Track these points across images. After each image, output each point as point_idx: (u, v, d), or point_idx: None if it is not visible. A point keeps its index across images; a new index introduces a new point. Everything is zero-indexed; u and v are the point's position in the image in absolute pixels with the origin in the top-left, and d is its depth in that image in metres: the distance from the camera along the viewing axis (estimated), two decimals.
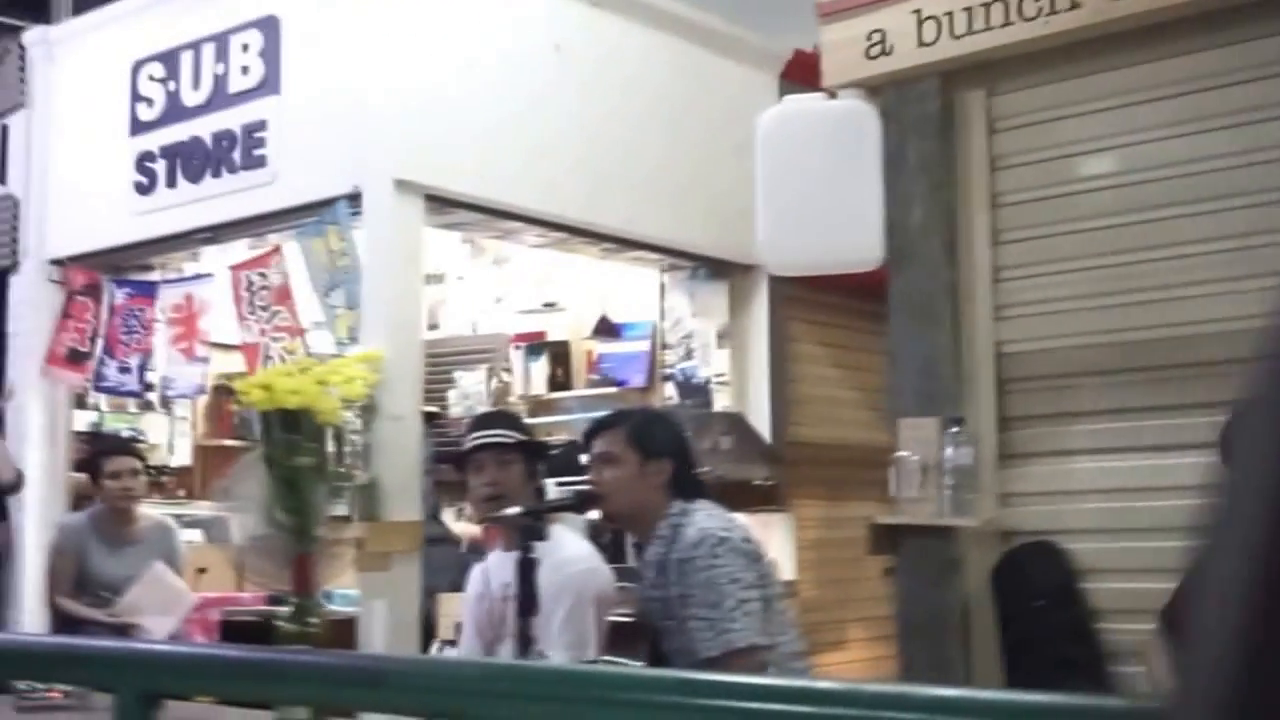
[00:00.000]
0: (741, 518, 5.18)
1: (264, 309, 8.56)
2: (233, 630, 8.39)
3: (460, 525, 10.66)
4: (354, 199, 8.00)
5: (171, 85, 9.21)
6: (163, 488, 11.10)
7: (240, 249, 9.35)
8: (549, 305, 11.20)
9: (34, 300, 10.03)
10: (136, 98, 9.43)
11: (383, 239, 7.84)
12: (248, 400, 3.26)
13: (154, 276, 9.98)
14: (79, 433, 10.32)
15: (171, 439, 11.44)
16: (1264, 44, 5.92)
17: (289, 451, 3.28)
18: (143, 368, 9.58)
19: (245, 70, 8.73)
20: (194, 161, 9.00)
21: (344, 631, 7.35)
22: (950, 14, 6.37)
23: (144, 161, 9.33)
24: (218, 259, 9.76)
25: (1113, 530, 6.27)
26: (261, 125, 8.61)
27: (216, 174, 8.87)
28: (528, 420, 8.36)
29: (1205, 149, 6.05)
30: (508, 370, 11.08)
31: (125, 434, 10.55)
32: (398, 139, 7.91)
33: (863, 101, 6.58)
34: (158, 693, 2.93)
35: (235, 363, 9.78)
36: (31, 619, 9.54)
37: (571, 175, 8.62)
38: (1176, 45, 6.12)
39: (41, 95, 10.29)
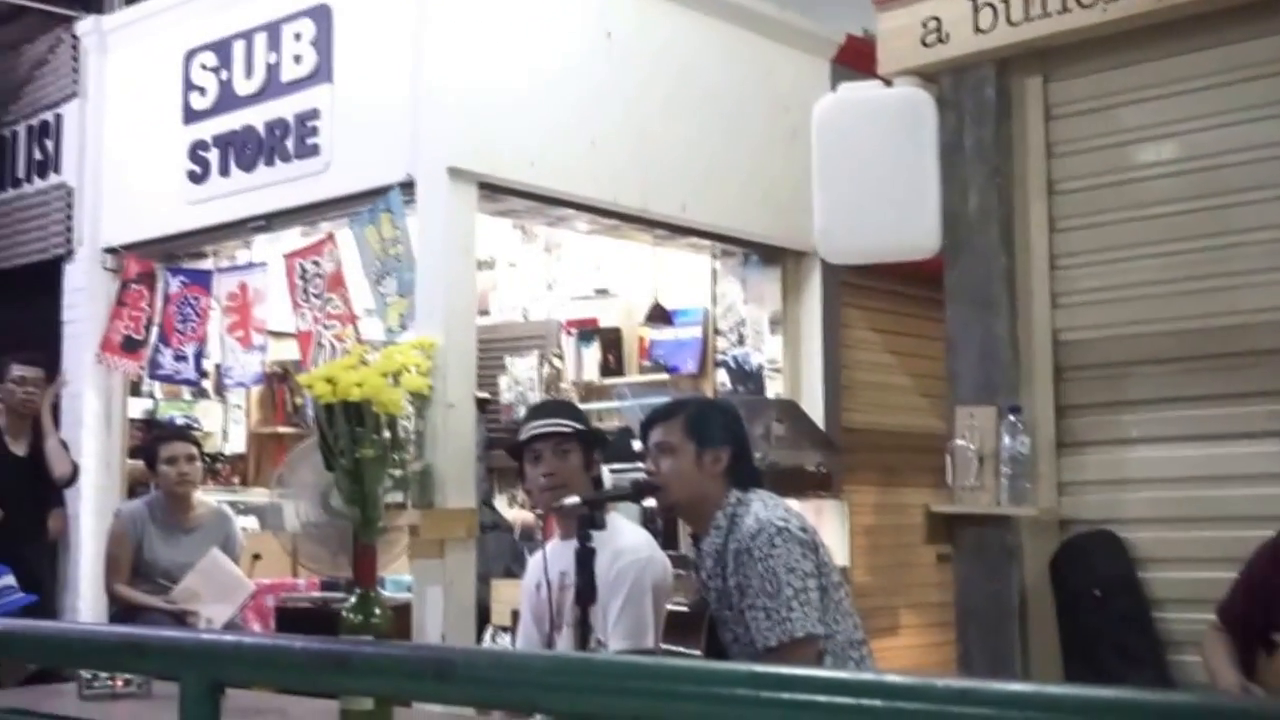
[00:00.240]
0: (796, 505, 5.17)
1: (317, 296, 8.57)
2: (288, 617, 8.41)
3: (513, 512, 10.68)
4: (407, 187, 8.00)
5: (224, 74, 9.23)
6: (217, 475, 11.14)
7: (293, 237, 9.36)
8: (601, 291, 11.18)
9: (89, 288, 10.07)
10: (189, 87, 9.45)
11: (436, 227, 7.84)
12: (312, 393, 3.26)
13: (208, 265, 10.01)
14: (134, 420, 10.35)
15: (226, 426, 11.47)
16: None
17: (352, 443, 3.28)
18: (198, 356, 9.61)
19: (298, 59, 8.75)
20: (247, 150, 9.01)
21: (397, 618, 7.37)
22: (1006, 1, 6.34)
23: (197, 150, 9.35)
24: (270, 247, 9.79)
25: (1171, 519, 6.25)
26: (314, 114, 8.63)
27: (270, 163, 8.89)
28: (581, 406, 8.37)
29: (1264, 137, 6.02)
30: (559, 356, 11.07)
31: (180, 421, 10.58)
32: (451, 127, 7.90)
33: (919, 89, 6.56)
34: (224, 682, 2.94)
35: (289, 350, 9.81)
36: (87, 606, 9.59)
37: (624, 162, 8.61)
38: (1235, 31, 6.08)
39: (94, 85, 10.32)
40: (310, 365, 8.51)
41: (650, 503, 5.51)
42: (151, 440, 8.98)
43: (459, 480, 7.64)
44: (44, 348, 9.69)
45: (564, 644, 5.28)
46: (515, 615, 7.56)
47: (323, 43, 8.61)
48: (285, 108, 8.80)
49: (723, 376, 10.10)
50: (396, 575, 8.28)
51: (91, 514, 9.70)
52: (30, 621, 6.47)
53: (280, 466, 9.29)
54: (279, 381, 11.36)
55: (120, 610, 8.16)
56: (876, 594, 9.53)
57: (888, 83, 6.67)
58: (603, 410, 10.28)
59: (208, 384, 10.81)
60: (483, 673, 2.44)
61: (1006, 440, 6.25)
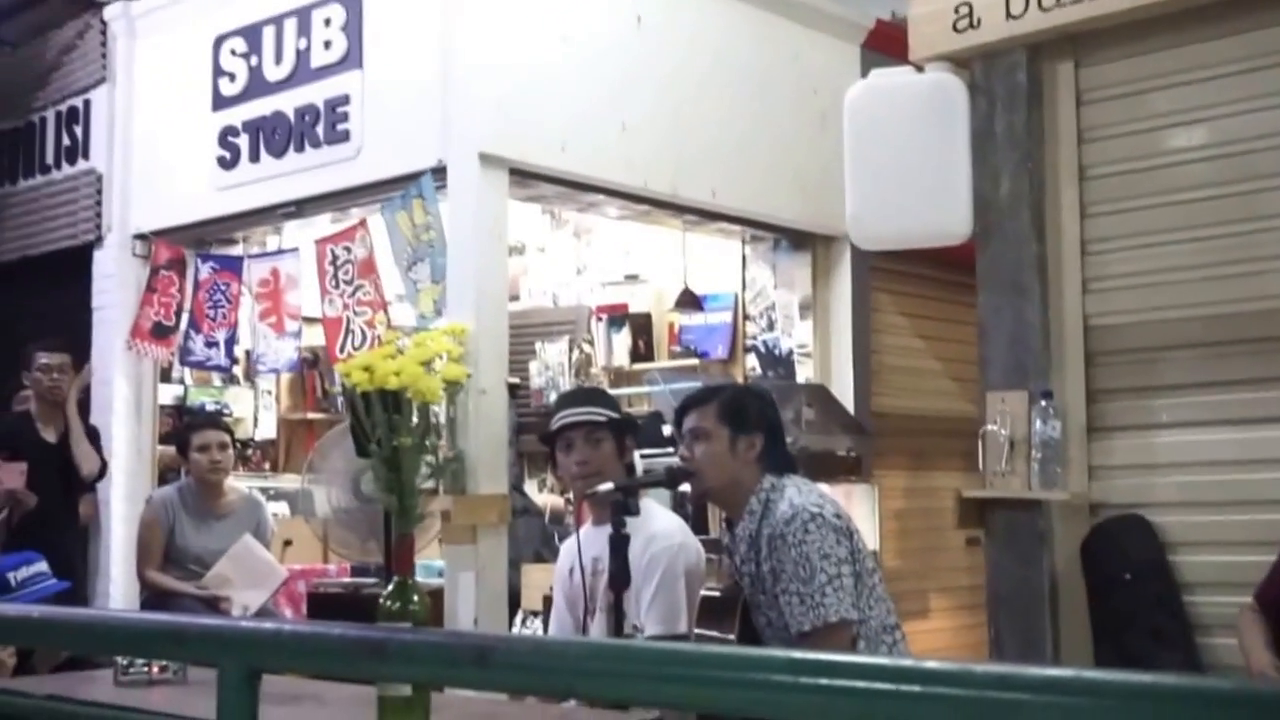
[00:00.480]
0: (826, 489, 5.18)
1: (348, 283, 8.58)
2: (320, 602, 8.43)
3: (543, 496, 10.69)
4: (438, 173, 8.01)
5: (254, 60, 9.23)
6: (248, 461, 11.17)
7: (323, 223, 9.37)
8: (631, 277, 11.18)
9: (118, 275, 10.08)
10: (219, 72, 9.45)
11: (467, 213, 7.84)
12: (349, 381, 3.27)
13: (238, 251, 10.03)
14: (165, 406, 10.38)
15: (256, 412, 11.48)
16: None
17: (390, 431, 3.29)
18: (229, 342, 9.61)
19: (328, 45, 8.74)
20: (277, 136, 9.01)
21: (430, 604, 7.38)
22: None
23: (227, 136, 9.35)
24: (300, 233, 9.80)
25: (1202, 504, 6.25)
26: (344, 100, 8.63)
27: (300, 149, 8.89)
28: (611, 392, 8.38)
29: None
30: (589, 342, 11.07)
31: (211, 408, 10.60)
32: (482, 113, 7.90)
33: (951, 74, 6.56)
34: (263, 669, 2.96)
35: (319, 336, 9.83)
36: (119, 592, 9.62)
37: (654, 147, 8.60)
38: (1266, 16, 6.08)
39: (123, 70, 10.32)
40: (337, 351, 8.52)
41: (684, 488, 5.52)
42: (184, 428, 9.00)
43: (491, 466, 7.65)
44: (74, 334, 9.70)
45: (597, 629, 5.30)
46: (546, 600, 7.58)
47: (353, 28, 8.61)
48: (315, 93, 8.80)
49: (753, 361, 10.11)
50: (428, 561, 8.29)
51: (122, 500, 9.72)
52: (71, 609, 6.50)
53: (311, 453, 9.32)
54: (309, 367, 11.38)
55: (152, 596, 8.19)
56: (906, 578, 9.53)
57: (919, 68, 6.67)
58: (633, 395, 10.29)
59: (237, 370, 10.81)
60: (522, 659, 2.45)
61: (1038, 425, 6.26)
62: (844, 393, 9.56)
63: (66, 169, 10.66)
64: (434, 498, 7.20)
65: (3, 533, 7.90)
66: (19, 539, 7.66)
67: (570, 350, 10.99)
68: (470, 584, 7.52)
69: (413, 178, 8.09)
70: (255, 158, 9.16)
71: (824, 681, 2.01)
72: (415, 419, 3.37)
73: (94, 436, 9.05)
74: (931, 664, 1.91)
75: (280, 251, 9.71)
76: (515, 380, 9.44)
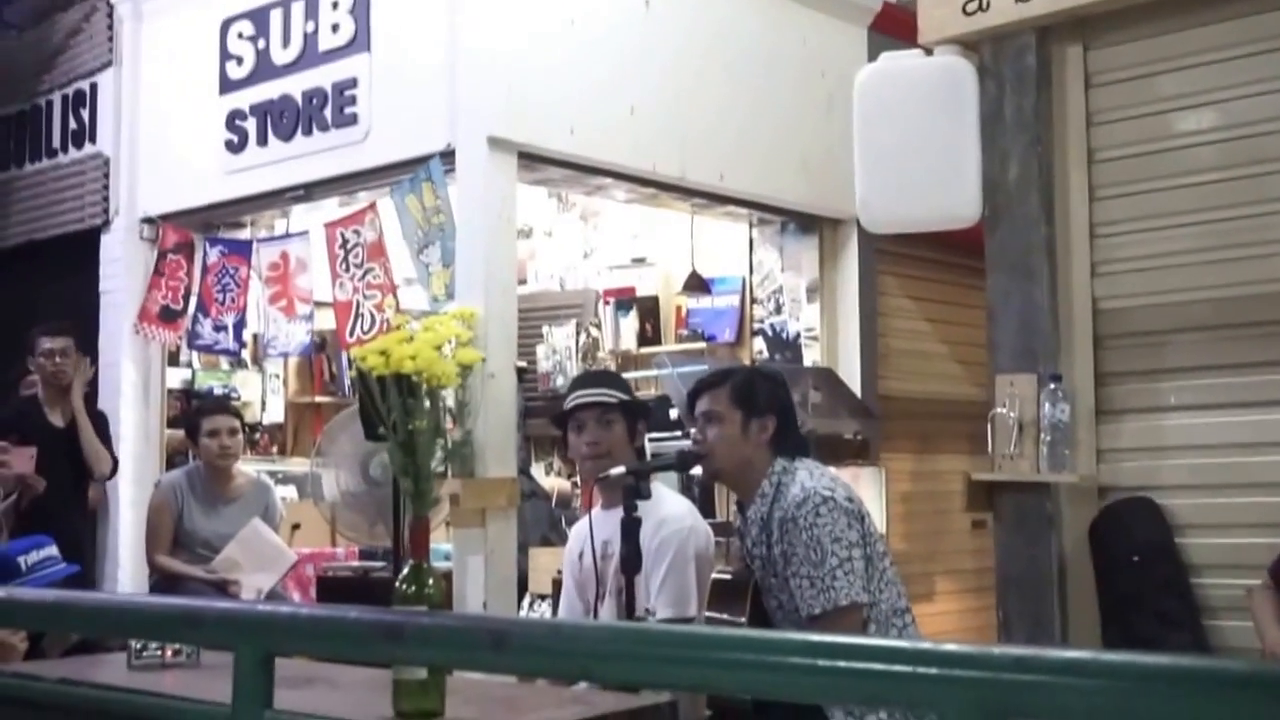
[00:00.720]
0: (834, 472, 5.19)
1: (358, 266, 8.59)
2: (329, 586, 8.44)
3: (550, 480, 10.71)
4: (447, 156, 8.01)
5: (261, 43, 9.22)
6: (256, 445, 11.17)
7: (331, 207, 9.38)
8: (638, 260, 11.19)
9: (125, 259, 10.07)
10: (226, 56, 9.44)
11: (476, 197, 7.84)
12: (364, 365, 3.28)
13: (245, 235, 10.03)
14: (173, 390, 10.38)
15: (264, 396, 11.49)
16: None
17: (406, 415, 3.30)
18: (238, 326, 9.62)
19: (335, 28, 8.74)
20: (284, 120, 9.01)
21: None
22: None
23: (234, 120, 9.35)
24: (308, 217, 9.81)
25: (1210, 486, 6.26)
26: (352, 83, 8.62)
27: (308, 132, 8.89)
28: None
29: None
30: (596, 325, 11.09)
31: (219, 392, 10.61)
32: (490, 96, 7.89)
33: (960, 58, 6.56)
34: (278, 653, 2.97)
35: (326, 319, 9.83)
36: (127, 576, 9.64)
37: (662, 131, 8.60)
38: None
39: (130, 53, 10.32)
40: (347, 335, 8.53)
41: (694, 471, 5.53)
42: (193, 412, 9.01)
43: (500, 450, 7.66)
44: (81, 318, 9.70)
45: (607, 613, 5.33)
46: (554, 583, 7.59)
47: (360, 12, 8.61)
48: (323, 77, 8.80)
49: (760, 345, 10.11)
50: (435, 544, 8.30)
51: (130, 484, 9.72)
52: (86, 593, 6.52)
53: (319, 437, 9.33)
54: (317, 351, 11.39)
55: (161, 580, 8.21)
56: (912, 560, 9.54)
57: (928, 51, 6.67)
58: (641, 379, 10.29)
59: (246, 354, 10.81)
60: (539, 642, 2.47)
61: (1046, 408, 6.26)
62: (851, 376, 9.57)
63: (73, 153, 10.66)
64: (443, 481, 7.22)
65: (11, 517, 7.90)
66: (27, 523, 7.66)
67: (577, 334, 11.01)
68: (479, 567, 7.53)
69: (421, 161, 8.10)
70: (263, 141, 9.16)
71: (841, 664, 2.03)
72: (428, 402, 3.37)
73: (101, 423, 9.04)
74: (949, 646, 1.93)
75: (289, 235, 9.71)
76: (522, 364, 9.45)
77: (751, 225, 10.18)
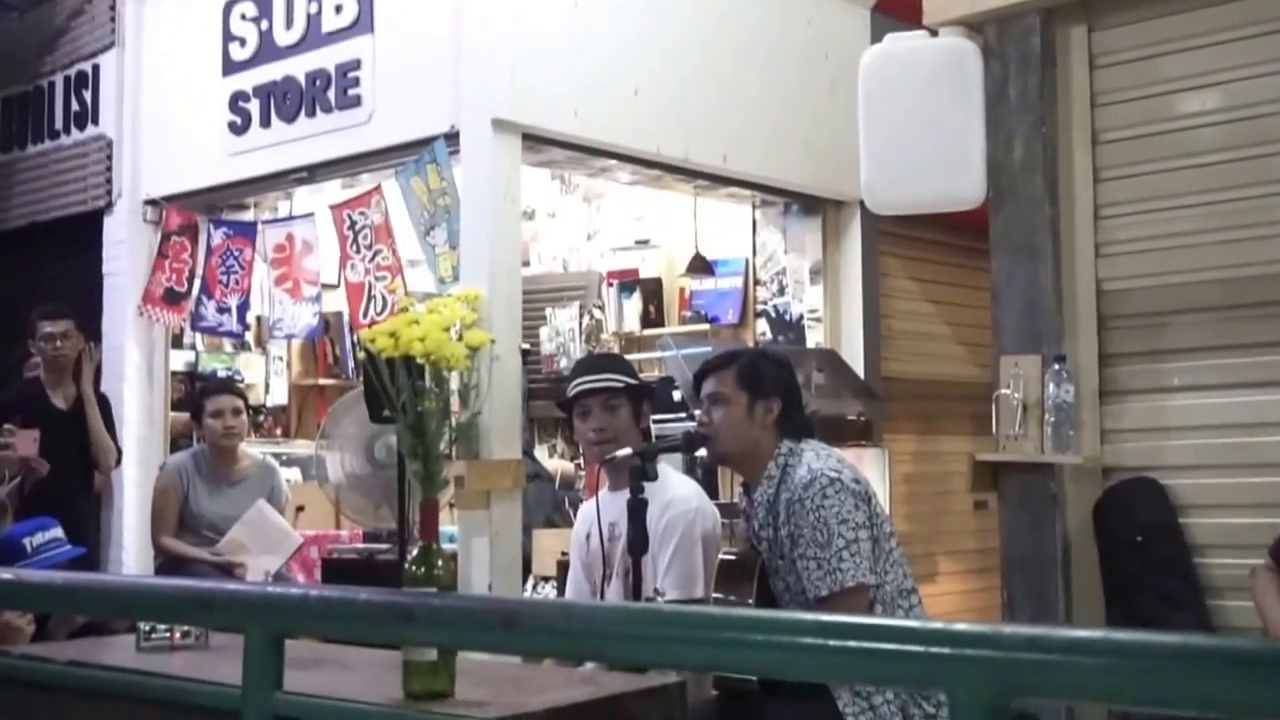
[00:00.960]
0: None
1: (367, 247, 8.58)
2: (334, 568, 8.45)
3: (553, 462, 10.72)
4: (451, 138, 8.01)
5: (264, 25, 9.20)
6: (260, 427, 11.18)
7: (334, 189, 9.38)
8: (641, 242, 11.19)
9: (129, 241, 10.06)
10: (229, 37, 9.42)
11: (481, 179, 7.83)
12: (374, 347, 3.28)
13: (249, 217, 10.02)
14: (176, 373, 10.38)
15: (267, 378, 11.50)
16: None
17: (415, 397, 3.30)
18: (242, 308, 9.61)
19: (338, 9, 8.72)
20: (288, 101, 9.00)
21: None
22: None
23: (237, 101, 9.34)
24: (311, 199, 9.81)
25: (1213, 466, 6.28)
26: (355, 65, 8.61)
27: (311, 114, 8.88)
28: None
29: None
30: (600, 307, 11.09)
31: (222, 374, 10.61)
32: (494, 78, 7.88)
33: (964, 39, 6.56)
34: (288, 635, 2.98)
35: (332, 302, 9.83)
36: (132, 558, 9.65)
37: (666, 113, 8.59)
38: None
39: (132, 35, 10.30)
40: (361, 317, 8.53)
41: (699, 453, 5.55)
42: (198, 394, 9.02)
43: (505, 431, 7.66)
44: (84, 300, 9.71)
45: (614, 594, 5.35)
46: (559, 565, 7.62)
47: None
48: (326, 58, 8.78)
49: (763, 326, 10.12)
50: (440, 526, 8.30)
51: (135, 466, 9.73)
52: (95, 575, 6.53)
53: (324, 419, 9.34)
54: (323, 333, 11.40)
55: (167, 562, 8.21)
56: (915, 541, 9.55)
57: (933, 32, 6.67)
58: (644, 361, 10.30)
59: (249, 336, 10.81)
60: (550, 623, 2.48)
61: (1051, 389, 6.27)
62: (854, 357, 9.57)
63: (76, 134, 10.65)
64: (448, 463, 7.22)
65: (15, 499, 7.90)
66: (31, 506, 7.66)
67: (581, 316, 11.01)
68: (484, 549, 7.54)
69: (425, 143, 8.10)
70: (266, 123, 9.15)
71: (853, 644, 2.04)
72: (436, 384, 3.38)
73: (105, 408, 9.04)
74: (960, 626, 1.94)
75: (295, 217, 9.70)
76: (526, 346, 9.46)
77: (755, 207, 10.18)
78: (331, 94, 8.71)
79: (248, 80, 9.29)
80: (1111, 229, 6.48)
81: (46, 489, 8.07)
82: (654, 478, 4.95)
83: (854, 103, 6.84)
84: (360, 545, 8.93)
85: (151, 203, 10.02)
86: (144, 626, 4.23)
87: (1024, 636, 1.87)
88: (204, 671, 3.59)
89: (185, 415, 9.55)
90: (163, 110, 10.06)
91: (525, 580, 8.31)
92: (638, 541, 4.82)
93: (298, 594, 3.13)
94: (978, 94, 6.51)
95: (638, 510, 4.80)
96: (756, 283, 10.24)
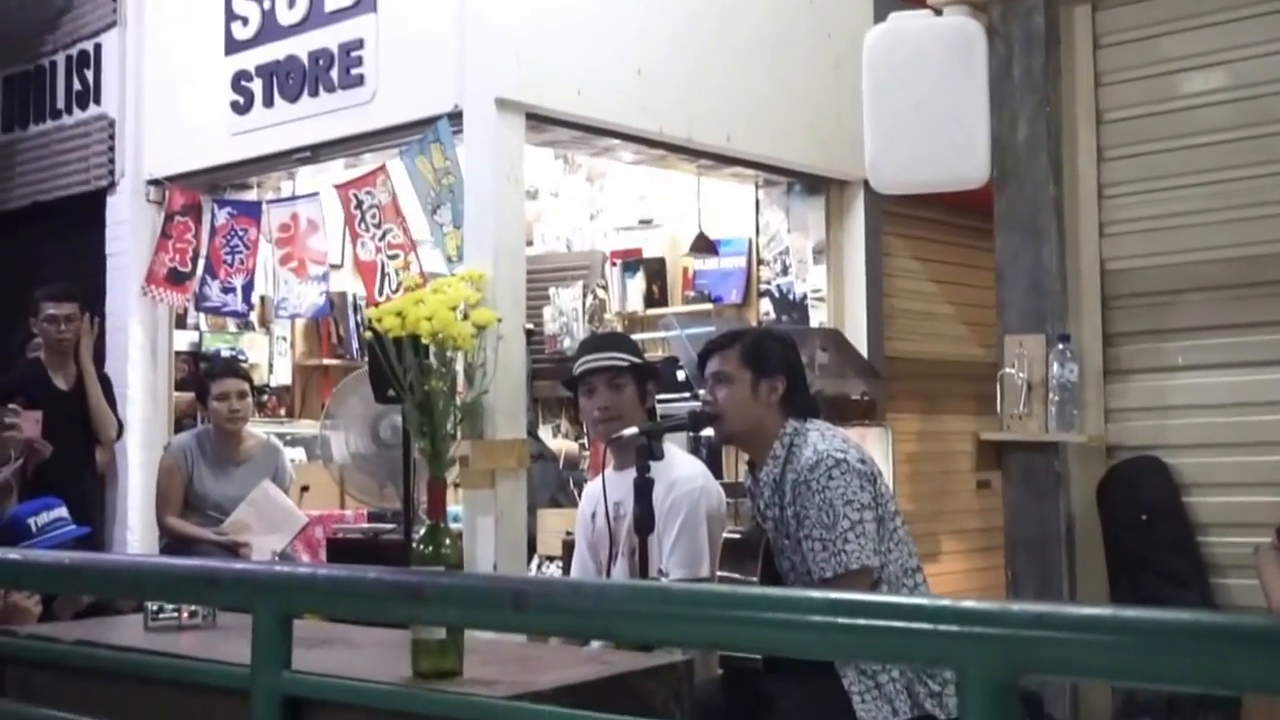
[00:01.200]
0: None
1: (376, 226, 8.57)
2: (339, 548, 8.46)
3: (557, 442, 10.73)
4: (454, 118, 8.00)
5: (266, 3, 9.15)
6: (264, 407, 11.16)
7: (337, 169, 9.38)
8: (645, 222, 11.19)
9: (132, 221, 10.03)
10: (231, 16, 9.39)
11: (484, 158, 7.82)
12: (381, 326, 3.29)
13: (252, 196, 10.01)
14: (180, 353, 10.37)
15: (271, 358, 11.49)
16: None
17: (422, 376, 3.31)
18: (247, 288, 9.59)
19: None
20: (291, 81, 8.97)
21: None
22: None
23: (240, 81, 9.30)
24: (314, 179, 9.80)
25: (1217, 445, 6.29)
26: (359, 44, 8.59)
27: (314, 93, 8.85)
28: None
29: None
30: (603, 287, 11.09)
31: (226, 354, 10.60)
32: (498, 57, 7.86)
33: (969, 18, 6.55)
34: (296, 614, 2.99)
35: (337, 281, 9.82)
36: (137, 538, 9.65)
37: (669, 92, 8.57)
38: None
39: (133, 13, 10.26)
40: (376, 295, 8.52)
41: (705, 433, 5.56)
42: (203, 375, 9.01)
43: (509, 411, 7.66)
44: (87, 280, 9.70)
45: (620, 573, 5.36)
46: (564, 545, 7.62)
47: None
48: (329, 37, 8.75)
49: (767, 306, 10.11)
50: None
51: (139, 447, 9.73)
52: (103, 555, 6.54)
53: (328, 399, 9.34)
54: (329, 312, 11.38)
55: (172, 543, 8.22)
56: (918, 520, 9.52)
57: (937, 12, 6.67)
58: (648, 340, 10.30)
59: (254, 316, 10.80)
60: (559, 602, 2.48)
61: (1055, 368, 6.28)
62: (857, 337, 9.57)
63: (78, 114, 10.62)
64: (453, 443, 7.22)
65: (19, 480, 7.91)
66: (35, 487, 7.67)
67: (584, 295, 11.02)
68: (489, 529, 7.54)
69: (428, 123, 8.08)
70: (269, 103, 9.12)
71: (862, 622, 2.05)
72: (442, 363, 3.39)
73: (106, 386, 9.04)
74: (969, 604, 1.94)
75: (299, 196, 9.68)
76: (529, 326, 9.46)
77: (758, 187, 10.16)
78: (334, 73, 8.69)
79: (250, 59, 9.25)
80: (1116, 208, 6.49)
81: (49, 469, 8.08)
82: (660, 457, 4.97)
83: (858, 82, 6.84)
84: (365, 525, 8.94)
85: (154, 182, 10.00)
86: (151, 606, 4.24)
87: (1033, 614, 1.88)
88: (212, 651, 3.60)
89: (189, 395, 9.54)
90: (165, 90, 10.02)
91: (530, 560, 8.32)
92: (644, 520, 4.83)
93: (306, 573, 3.15)
94: (982, 73, 6.51)
95: (644, 489, 4.81)
96: (760, 262, 10.23)
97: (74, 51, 10.68)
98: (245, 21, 9.30)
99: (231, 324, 10.83)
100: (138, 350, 9.92)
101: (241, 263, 9.52)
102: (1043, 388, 6.33)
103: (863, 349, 9.49)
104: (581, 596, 2.49)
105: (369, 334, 3.59)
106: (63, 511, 6.43)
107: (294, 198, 9.72)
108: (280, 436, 9.57)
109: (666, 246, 11.09)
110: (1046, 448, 6.42)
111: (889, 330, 9.92)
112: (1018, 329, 6.48)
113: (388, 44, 8.44)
